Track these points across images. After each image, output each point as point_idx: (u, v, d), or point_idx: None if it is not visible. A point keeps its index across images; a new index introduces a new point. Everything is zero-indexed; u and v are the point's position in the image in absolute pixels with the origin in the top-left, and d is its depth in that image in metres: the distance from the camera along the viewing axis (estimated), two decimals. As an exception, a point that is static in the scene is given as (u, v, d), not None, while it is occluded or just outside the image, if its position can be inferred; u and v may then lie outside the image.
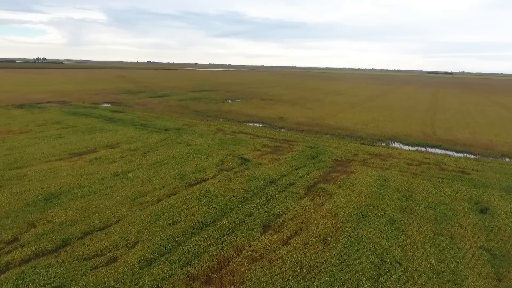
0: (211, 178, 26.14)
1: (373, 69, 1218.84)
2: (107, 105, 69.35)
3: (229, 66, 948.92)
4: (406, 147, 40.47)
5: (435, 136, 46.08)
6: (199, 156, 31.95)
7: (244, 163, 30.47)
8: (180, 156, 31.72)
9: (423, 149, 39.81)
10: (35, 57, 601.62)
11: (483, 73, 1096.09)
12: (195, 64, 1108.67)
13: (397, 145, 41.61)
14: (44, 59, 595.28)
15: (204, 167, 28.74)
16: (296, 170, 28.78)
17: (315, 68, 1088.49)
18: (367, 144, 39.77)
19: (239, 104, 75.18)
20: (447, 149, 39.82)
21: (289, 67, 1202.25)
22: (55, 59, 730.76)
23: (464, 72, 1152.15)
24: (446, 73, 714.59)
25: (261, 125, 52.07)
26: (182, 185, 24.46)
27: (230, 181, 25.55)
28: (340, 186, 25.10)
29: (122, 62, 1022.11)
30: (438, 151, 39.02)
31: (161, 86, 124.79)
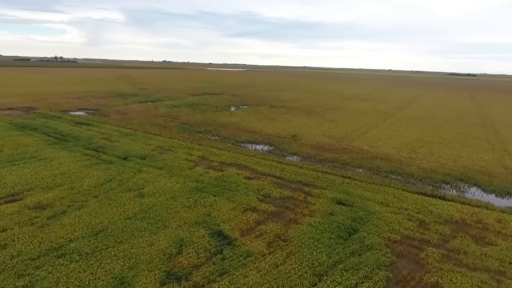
0: (133, 316, 11.89)
1: (390, 70, 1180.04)
2: (79, 113, 56.21)
3: (244, 66, 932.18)
4: (493, 197, 25.31)
5: (527, 174, 30.56)
6: (144, 229, 17.76)
7: (221, 252, 16.10)
8: (110, 230, 17.57)
9: (524, 204, 24.55)
10: (54, 55, 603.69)
11: (506, 75, 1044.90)
12: (209, 63, 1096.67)
13: (476, 192, 26.43)
14: (61, 57, 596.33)
15: (137, 266, 14.50)
16: (320, 281, 14.17)
17: (330, 69, 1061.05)
18: (431, 196, 24.63)
19: (242, 113, 60.73)
20: None
21: (304, 67, 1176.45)
22: (73, 58, 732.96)
23: (486, 74, 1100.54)
24: (469, 74, 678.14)
25: (265, 148, 37.61)
26: None
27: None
28: None
29: (138, 61, 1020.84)
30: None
31: (160, 88, 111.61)
